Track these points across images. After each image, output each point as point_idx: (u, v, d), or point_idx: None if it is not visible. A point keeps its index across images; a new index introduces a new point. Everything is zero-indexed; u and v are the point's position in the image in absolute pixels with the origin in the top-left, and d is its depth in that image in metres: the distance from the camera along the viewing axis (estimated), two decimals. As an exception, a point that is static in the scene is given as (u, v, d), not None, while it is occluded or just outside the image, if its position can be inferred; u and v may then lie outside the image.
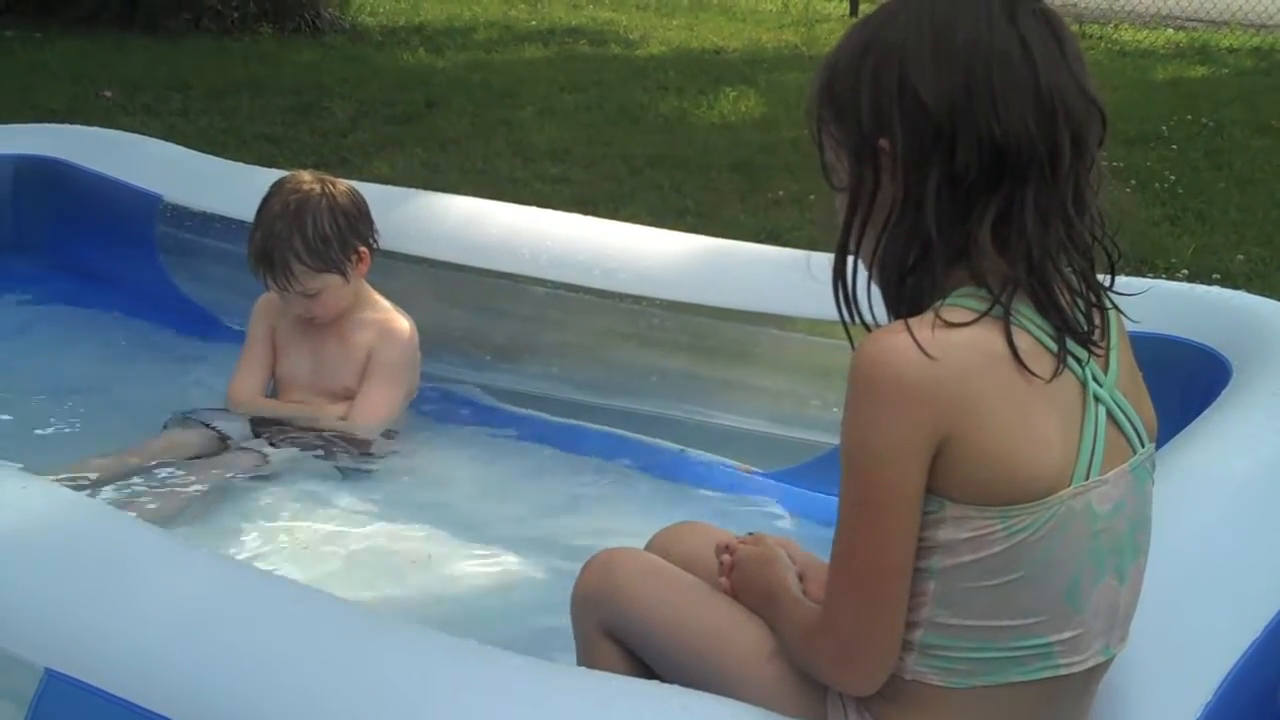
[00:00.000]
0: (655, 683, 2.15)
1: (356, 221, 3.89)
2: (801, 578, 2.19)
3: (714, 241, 4.35)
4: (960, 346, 1.80)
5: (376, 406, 3.90)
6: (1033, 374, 1.82)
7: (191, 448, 3.83)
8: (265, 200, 3.89)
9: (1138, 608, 2.01)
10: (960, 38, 1.83)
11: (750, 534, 2.36)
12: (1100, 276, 1.96)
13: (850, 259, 1.95)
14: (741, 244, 4.43)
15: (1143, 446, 1.96)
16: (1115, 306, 1.99)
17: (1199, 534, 2.49)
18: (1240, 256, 6.02)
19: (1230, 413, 2.95)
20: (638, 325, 4.06)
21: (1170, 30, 12.36)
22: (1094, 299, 1.92)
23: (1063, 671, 1.91)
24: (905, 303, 1.90)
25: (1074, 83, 1.85)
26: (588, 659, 2.37)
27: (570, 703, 1.97)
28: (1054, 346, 1.85)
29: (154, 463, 3.73)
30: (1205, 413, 2.96)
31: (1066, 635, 1.89)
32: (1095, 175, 1.91)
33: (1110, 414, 1.91)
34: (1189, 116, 8.72)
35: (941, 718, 1.93)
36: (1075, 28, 11.93)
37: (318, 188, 3.87)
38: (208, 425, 3.89)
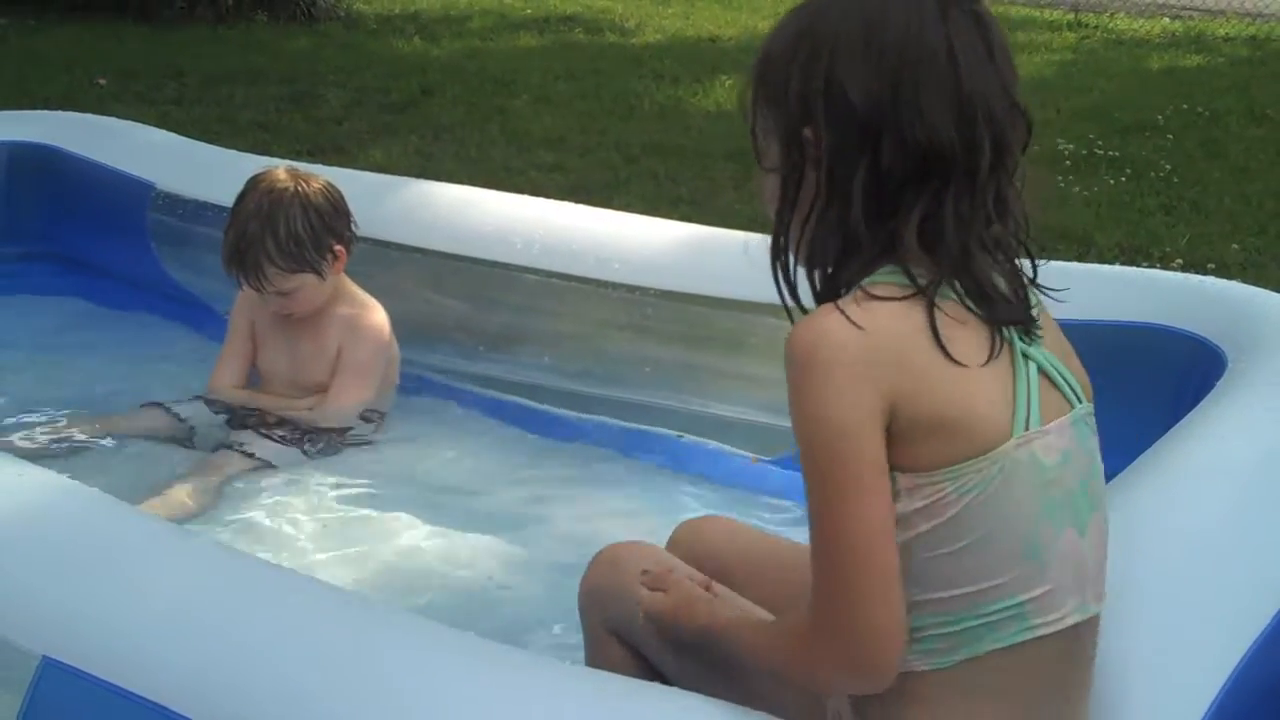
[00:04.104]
0: (653, 684, 2.13)
1: (331, 219, 3.86)
2: (708, 587, 2.19)
3: (709, 230, 4.34)
4: (888, 316, 1.83)
5: (343, 401, 3.89)
6: (954, 359, 1.84)
7: (153, 430, 3.89)
8: (239, 198, 3.86)
9: (1138, 609, 2.03)
10: (889, 36, 1.84)
11: (644, 573, 2.27)
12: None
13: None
14: (736, 232, 4.41)
15: (1080, 402, 1.97)
16: (1036, 284, 1.99)
17: (1198, 524, 2.49)
18: (1235, 246, 6.02)
19: (1227, 403, 2.94)
20: (632, 314, 4.05)
21: (1166, 19, 12.37)
22: (1019, 290, 1.94)
23: (1040, 632, 1.89)
24: (832, 291, 1.91)
25: (999, 87, 1.87)
26: (595, 657, 2.36)
27: (563, 705, 1.95)
28: (981, 314, 1.87)
29: (113, 432, 3.83)
30: (1202, 403, 2.95)
31: (1036, 593, 1.88)
32: (1019, 178, 1.91)
33: (1042, 370, 1.92)
34: (1184, 105, 8.72)
35: (935, 706, 1.91)
36: (1071, 16, 12.00)
37: (291, 186, 3.83)
38: (168, 409, 3.92)
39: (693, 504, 3.56)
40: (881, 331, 1.81)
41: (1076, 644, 1.96)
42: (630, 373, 4.07)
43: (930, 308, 1.83)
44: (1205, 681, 2.14)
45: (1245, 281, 4.14)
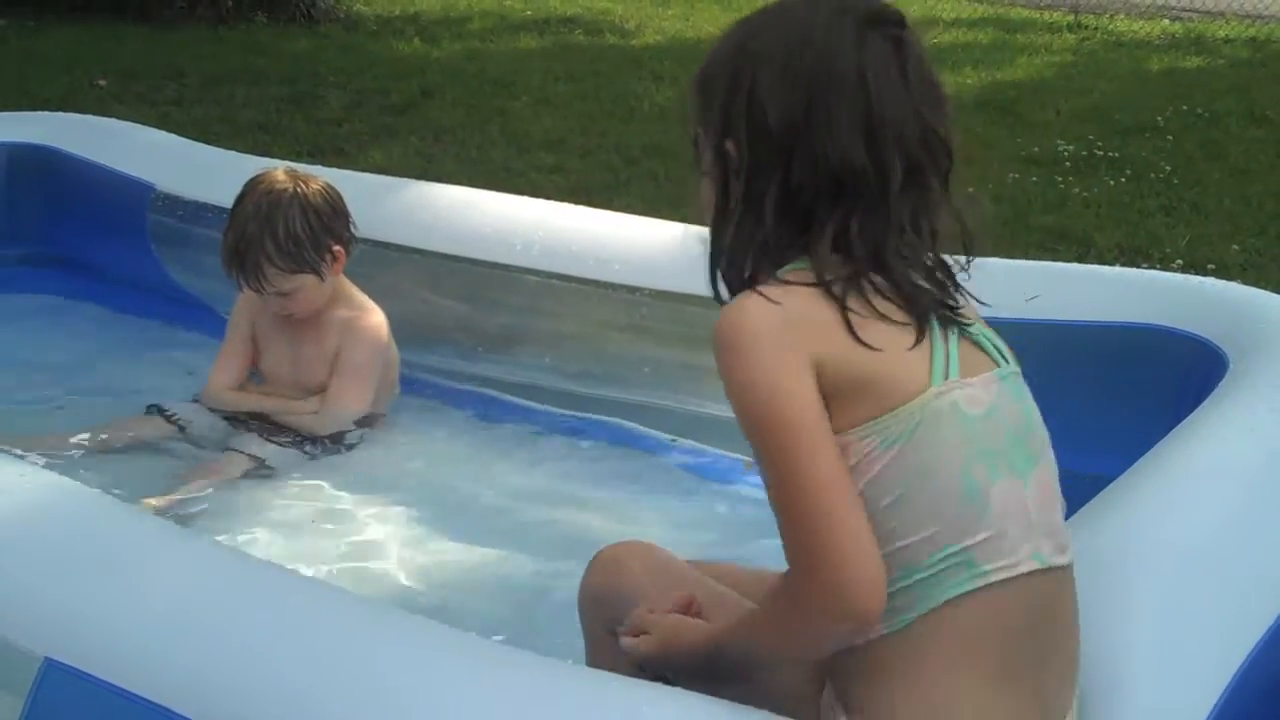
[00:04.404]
0: (653, 684, 2.12)
1: (330, 220, 3.86)
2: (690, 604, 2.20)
3: (709, 231, 4.33)
4: (803, 296, 1.92)
5: (342, 404, 3.89)
6: (867, 345, 1.91)
7: (153, 435, 3.89)
8: (238, 200, 3.86)
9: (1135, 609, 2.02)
10: (806, 61, 1.93)
11: (619, 629, 2.25)
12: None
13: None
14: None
15: (1006, 363, 2.02)
16: (959, 288, 2.05)
17: (1202, 525, 2.49)
18: (1235, 247, 6.02)
19: (1229, 404, 2.95)
20: (631, 315, 4.05)
21: (1166, 21, 12.37)
22: (945, 283, 2.01)
23: (993, 578, 1.90)
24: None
25: (913, 112, 1.94)
26: (595, 658, 2.35)
27: (565, 705, 1.95)
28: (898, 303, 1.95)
29: (113, 437, 3.83)
30: (1203, 404, 2.95)
31: (979, 537, 1.90)
32: (937, 199, 1.99)
33: (962, 332, 1.99)
34: (1184, 107, 8.72)
35: (907, 675, 1.92)
36: (1071, 18, 11.99)
37: (290, 187, 3.83)
38: (166, 414, 3.92)
39: (691, 507, 3.56)
40: (798, 306, 1.90)
41: (1040, 597, 1.96)
42: (630, 373, 4.08)
43: (838, 296, 1.91)
44: (1209, 682, 2.14)
45: (1245, 282, 4.14)
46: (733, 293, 2.01)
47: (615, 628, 2.28)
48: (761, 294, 1.91)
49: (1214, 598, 2.33)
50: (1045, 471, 2.01)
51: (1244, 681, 2.18)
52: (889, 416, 1.89)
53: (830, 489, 1.85)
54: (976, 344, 2.00)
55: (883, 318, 1.92)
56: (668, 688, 2.07)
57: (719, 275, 2.05)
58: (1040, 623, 1.97)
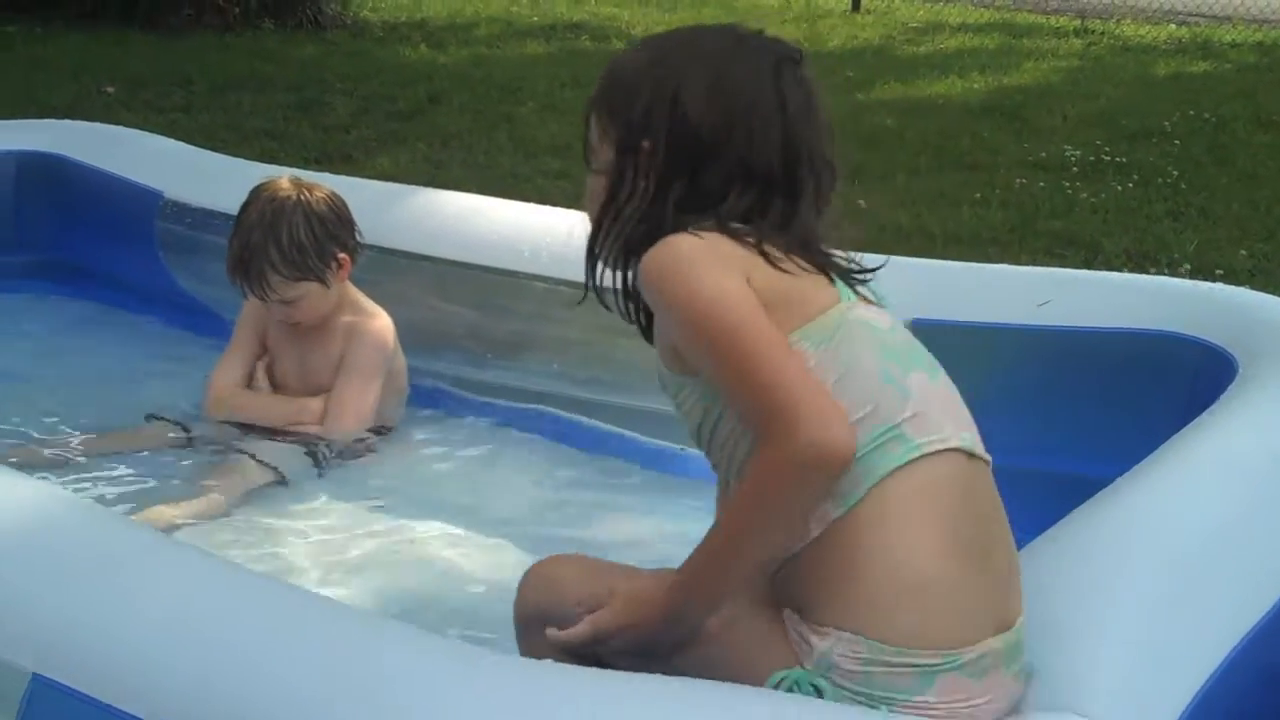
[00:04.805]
0: (663, 677, 2.10)
1: (335, 228, 3.86)
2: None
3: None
4: (717, 234, 2.15)
5: (345, 410, 3.88)
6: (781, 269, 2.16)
7: (161, 442, 3.89)
8: (243, 208, 3.87)
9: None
10: (732, 82, 2.21)
11: (570, 623, 2.25)
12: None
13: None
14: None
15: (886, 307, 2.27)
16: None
17: (1210, 524, 2.51)
18: (1243, 252, 6.02)
19: (1240, 407, 2.95)
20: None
21: (1173, 25, 12.38)
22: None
23: (927, 449, 2.07)
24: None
25: (816, 138, 2.24)
26: None
27: (575, 709, 1.93)
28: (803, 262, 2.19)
29: (121, 446, 3.84)
30: (1213, 406, 2.96)
31: (907, 414, 2.08)
32: (830, 215, 2.27)
33: (858, 288, 2.23)
34: (1191, 112, 8.72)
35: (862, 548, 2.03)
36: (1078, 23, 11.99)
37: (294, 195, 3.83)
38: (175, 423, 3.93)
39: (701, 517, 3.54)
40: (718, 242, 2.14)
41: (974, 482, 2.13)
42: (639, 380, 4.07)
43: (752, 241, 2.15)
44: (1193, 668, 2.18)
45: (1253, 287, 4.14)
46: (625, 284, 2.29)
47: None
48: (683, 233, 2.14)
49: (1217, 590, 2.36)
50: (947, 382, 2.21)
51: (1232, 669, 2.21)
52: (811, 325, 2.11)
53: (790, 356, 2.06)
54: (871, 300, 2.24)
55: (790, 261, 2.16)
56: (681, 682, 2.04)
57: (600, 263, 2.30)
58: (978, 508, 2.12)
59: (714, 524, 2.13)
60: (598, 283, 2.33)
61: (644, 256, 2.15)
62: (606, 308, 2.37)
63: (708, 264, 2.10)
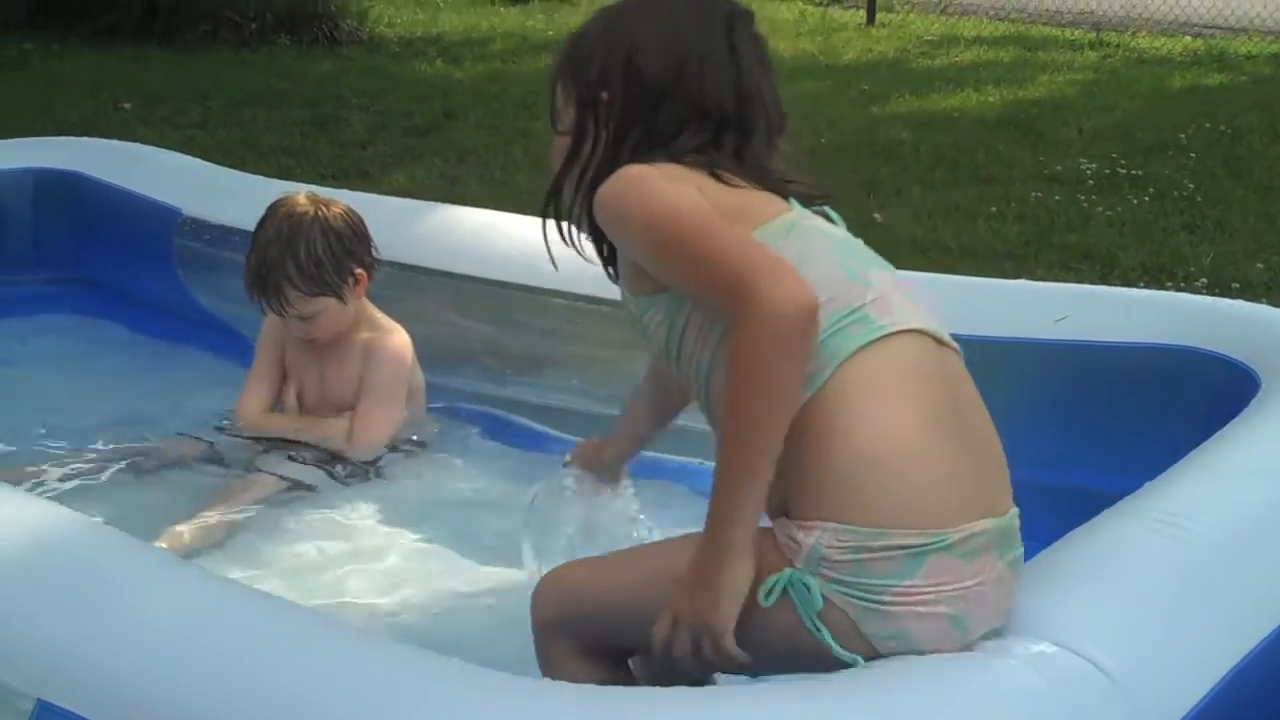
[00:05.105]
0: (663, 690, 2.06)
1: (352, 243, 3.87)
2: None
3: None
4: (669, 164, 2.27)
5: (371, 426, 3.89)
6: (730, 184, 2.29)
7: (183, 456, 3.90)
8: (260, 224, 3.88)
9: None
10: (685, 35, 2.33)
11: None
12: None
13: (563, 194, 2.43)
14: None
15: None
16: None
17: (1229, 530, 2.52)
18: (1259, 265, 6.00)
19: (1262, 421, 2.96)
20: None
21: (1188, 37, 12.34)
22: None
23: (890, 329, 2.13)
24: None
25: (768, 86, 2.37)
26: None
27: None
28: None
29: (145, 466, 3.84)
30: (1235, 419, 2.96)
31: (869, 299, 2.15)
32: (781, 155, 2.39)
33: (802, 203, 2.33)
34: (1207, 124, 8.71)
35: (839, 424, 2.08)
36: (1093, 35, 11.97)
37: (311, 210, 3.84)
38: (198, 437, 3.95)
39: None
40: (669, 167, 2.25)
41: (944, 365, 2.19)
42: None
43: (704, 165, 2.27)
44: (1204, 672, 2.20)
45: (1270, 301, 4.16)
46: (578, 225, 2.41)
47: (589, 645, 2.30)
48: (634, 164, 2.26)
49: (1235, 598, 2.37)
50: (913, 284, 2.28)
51: (1243, 673, 2.22)
52: (764, 226, 2.21)
53: (744, 237, 2.15)
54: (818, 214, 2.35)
55: (742, 181, 2.28)
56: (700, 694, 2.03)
57: (556, 214, 2.44)
58: (952, 390, 2.17)
59: (718, 442, 2.12)
60: (563, 238, 2.46)
61: (601, 188, 2.26)
62: (569, 245, 2.48)
63: (656, 179, 2.22)
